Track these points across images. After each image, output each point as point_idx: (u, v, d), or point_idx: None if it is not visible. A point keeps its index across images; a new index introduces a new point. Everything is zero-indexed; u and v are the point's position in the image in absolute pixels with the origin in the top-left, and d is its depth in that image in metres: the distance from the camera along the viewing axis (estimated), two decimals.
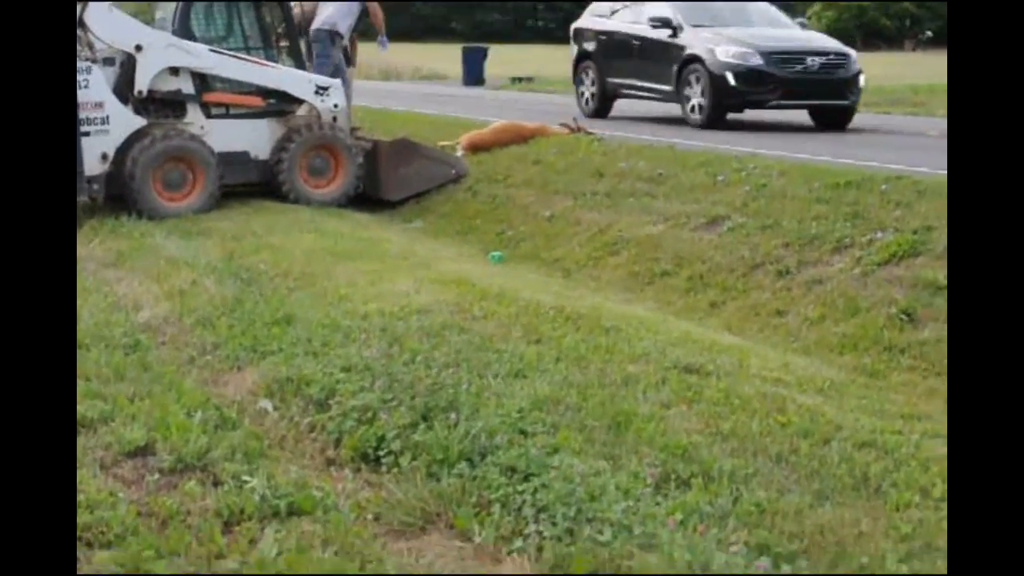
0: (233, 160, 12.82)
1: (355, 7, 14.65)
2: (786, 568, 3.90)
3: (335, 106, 13.30)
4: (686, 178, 11.34)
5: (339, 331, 6.94)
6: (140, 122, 12.33)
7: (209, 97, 12.88)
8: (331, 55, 14.44)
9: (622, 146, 13.46)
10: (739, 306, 8.53)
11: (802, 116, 16.48)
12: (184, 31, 12.81)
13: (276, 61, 13.41)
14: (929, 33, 74.78)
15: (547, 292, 8.48)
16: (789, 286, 8.49)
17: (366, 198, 13.44)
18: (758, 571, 3.87)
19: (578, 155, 13.13)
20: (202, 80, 12.78)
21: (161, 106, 12.65)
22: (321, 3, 14.68)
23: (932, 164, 10.90)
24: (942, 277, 7.67)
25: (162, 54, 12.42)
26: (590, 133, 14.56)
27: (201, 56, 12.65)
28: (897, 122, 17.99)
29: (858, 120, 16.35)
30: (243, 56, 13.03)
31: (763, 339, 7.82)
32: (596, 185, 11.86)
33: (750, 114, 16.29)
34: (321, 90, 13.26)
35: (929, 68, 36.78)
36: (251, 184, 13.18)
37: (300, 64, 13.54)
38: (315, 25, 14.45)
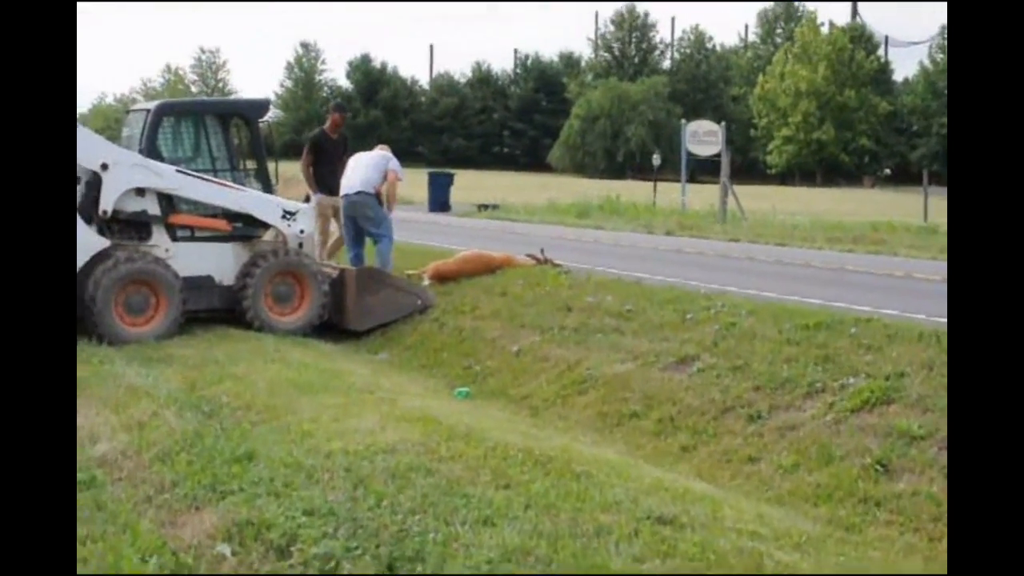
0: (197, 285, 12.61)
1: (381, 166, 14.49)
2: None
3: (301, 231, 13.16)
4: (655, 315, 11.27)
5: (302, 471, 6.72)
6: (104, 243, 12.08)
7: (175, 219, 12.68)
8: (386, 213, 14.47)
9: (590, 279, 13.43)
10: (711, 451, 8.38)
11: (776, 254, 16.53)
12: (151, 150, 12.64)
13: (243, 183, 13.25)
14: (887, 171, 76.32)
15: (515, 432, 8.29)
16: (761, 431, 8.37)
17: (331, 327, 13.27)
18: None
19: (545, 287, 13.07)
20: (168, 201, 12.59)
21: (126, 227, 12.40)
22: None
23: (900, 306, 10.92)
24: (916, 427, 7.62)
25: (128, 174, 12.21)
26: (557, 264, 14.54)
27: (167, 177, 12.45)
28: (861, 261, 18.07)
29: (825, 257, 16.42)
30: (210, 178, 12.88)
31: (736, 487, 7.66)
32: (564, 319, 11.76)
33: None
34: (288, 215, 13.11)
35: (888, 205, 37.36)
36: (214, 310, 12.94)
37: (267, 187, 13.38)
38: (355, 188, 14.20)
